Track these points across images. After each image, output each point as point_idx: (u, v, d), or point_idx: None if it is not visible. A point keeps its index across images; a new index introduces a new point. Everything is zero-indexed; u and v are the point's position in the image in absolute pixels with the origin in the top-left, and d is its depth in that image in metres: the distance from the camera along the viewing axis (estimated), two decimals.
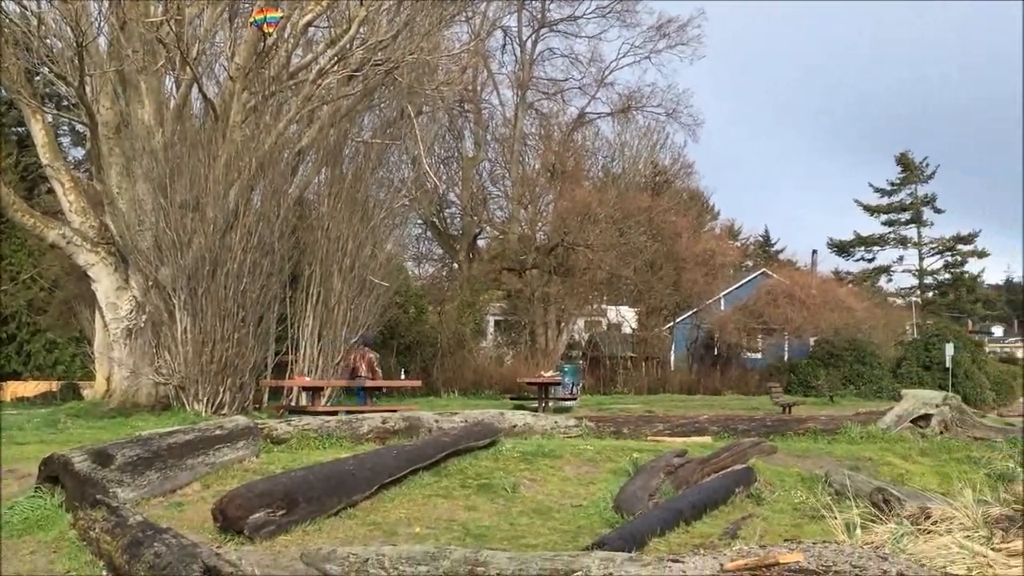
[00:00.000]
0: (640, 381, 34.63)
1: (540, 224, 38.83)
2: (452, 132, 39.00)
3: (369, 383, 18.33)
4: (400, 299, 26.24)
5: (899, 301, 69.29)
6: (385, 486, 8.81)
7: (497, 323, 37.77)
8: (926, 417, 16.01)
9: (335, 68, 18.79)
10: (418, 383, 22.74)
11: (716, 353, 39.51)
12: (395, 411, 13.94)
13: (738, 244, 59.44)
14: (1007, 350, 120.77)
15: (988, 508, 7.48)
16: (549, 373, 24.14)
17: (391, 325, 24.58)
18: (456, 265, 40.30)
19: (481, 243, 42.42)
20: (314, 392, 17.44)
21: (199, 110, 19.26)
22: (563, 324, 36.65)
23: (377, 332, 21.49)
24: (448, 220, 41.57)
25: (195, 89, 18.29)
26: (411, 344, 28.38)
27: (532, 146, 42.18)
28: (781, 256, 69.61)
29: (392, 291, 22.27)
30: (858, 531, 6.73)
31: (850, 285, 60.11)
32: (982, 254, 71.75)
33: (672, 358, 39.27)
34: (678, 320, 39.78)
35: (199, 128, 18.33)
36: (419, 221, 36.00)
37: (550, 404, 21.72)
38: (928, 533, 6.61)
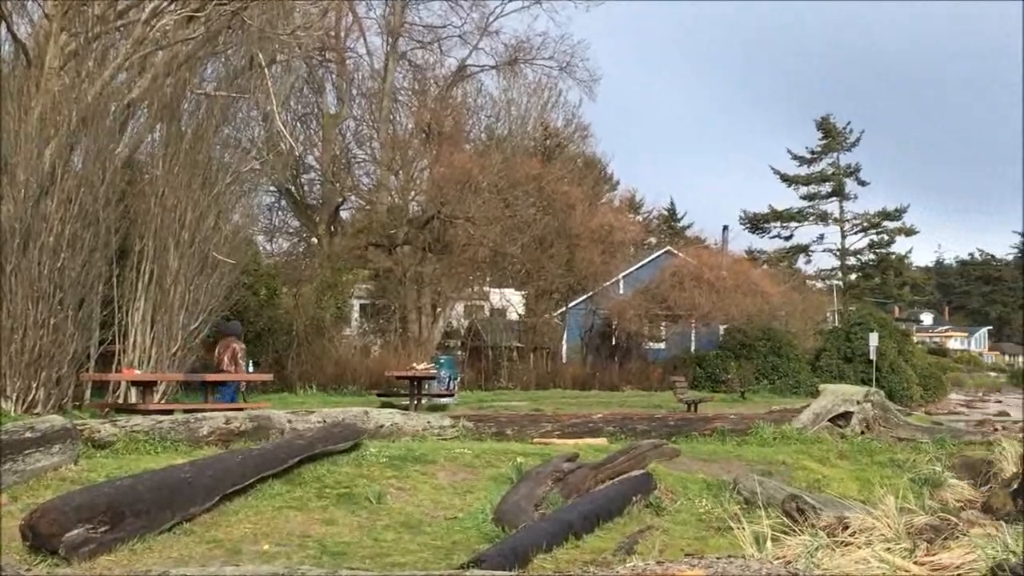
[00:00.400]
0: (527, 375, 35.04)
1: (413, 193, 38.86)
2: (311, 85, 38.63)
3: (211, 377, 18.34)
4: (248, 279, 25.95)
5: (819, 284, 71.40)
6: (228, 497, 8.77)
7: (363, 308, 37.66)
8: (846, 415, 16.53)
9: (171, 7, 18.61)
10: (269, 377, 22.21)
11: (614, 343, 40.23)
12: (241, 409, 13.92)
13: (640, 218, 60.62)
14: (937, 340, 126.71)
15: (912, 517, 7.93)
16: (423, 366, 24.30)
17: (238, 309, 24.29)
18: (315, 240, 39.99)
19: (344, 215, 42.17)
20: (145, 387, 17.12)
21: (8, 54, 18.82)
22: (439, 309, 36.82)
23: (223, 317, 21.37)
24: (306, 188, 41.14)
25: (3, 28, 17.93)
26: (261, 332, 28.12)
27: (404, 103, 42.08)
28: (688, 233, 71.38)
29: (239, 269, 21.96)
30: (768, 544, 6.96)
31: (765, 266, 61.95)
32: (910, 232, 73.55)
33: (564, 349, 39.75)
34: (571, 305, 40.24)
35: (7, 75, 17.95)
36: (271, 188, 35.67)
37: (423, 401, 21.88)
38: (846, 545, 6.85)
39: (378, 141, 40.31)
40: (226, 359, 18.72)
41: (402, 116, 41.69)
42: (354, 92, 41.60)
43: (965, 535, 7.18)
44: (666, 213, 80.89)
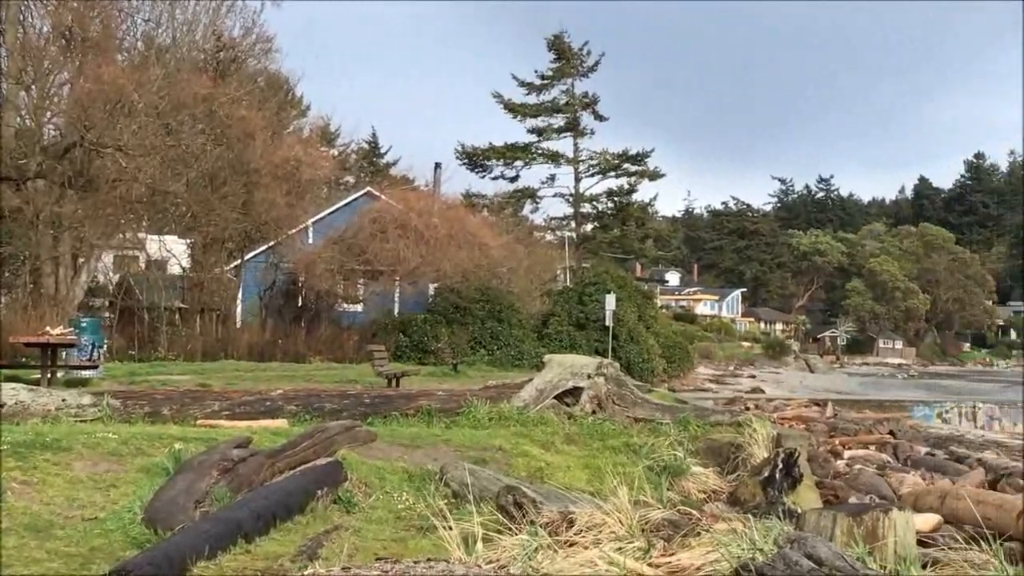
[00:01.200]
0: (193, 342, 35.00)
1: (50, 114, 37.96)
2: None
3: None
4: None
5: (549, 236, 73.80)
6: None
7: None
8: (575, 392, 17.25)
9: None
10: None
11: (300, 304, 40.76)
12: None
13: (335, 153, 61.35)
14: (684, 304, 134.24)
15: (648, 511, 8.46)
16: (59, 330, 24.04)
17: None
18: None
19: None
20: None
21: None
22: (82, 260, 36.25)
23: None
24: None
25: None
26: None
27: None
28: (394, 171, 72.64)
29: None
30: (479, 545, 7.41)
31: (485, 212, 63.63)
32: (655, 176, 75.89)
33: (239, 310, 40.00)
34: (248, 257, 40.70)
35: None
36: None
37: (59, 374, 21.68)
38: (571, 545, 7.38)
39: (4, 48, 39.21)
40: None
41: (35, 16, 40.64)
42: None
43: (708, 531, 7.70)
44: (367, 147, 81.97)
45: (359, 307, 42.80)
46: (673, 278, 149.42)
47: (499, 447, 13.41)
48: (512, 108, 72.43)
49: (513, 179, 74.22)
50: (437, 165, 60.00)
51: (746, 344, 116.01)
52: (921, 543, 8.91)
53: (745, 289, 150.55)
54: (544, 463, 13.07)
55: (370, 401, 16.91)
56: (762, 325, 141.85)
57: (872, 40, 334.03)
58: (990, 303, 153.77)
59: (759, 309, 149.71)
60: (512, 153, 72.77)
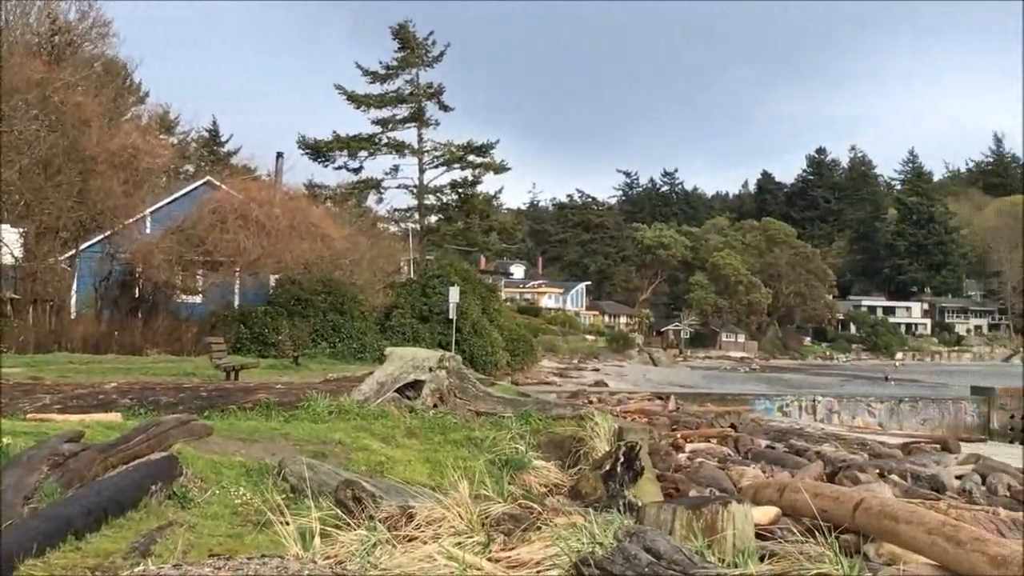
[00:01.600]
0: (25, 334, 34.52)
1: None
2: None
3: None
4: None
5: (393, 228, 74.02)
6: None
7: None
8: (417, 385, 17.25)
9: None
10: None
11: (138, 296, 40.55)
12: None
13: (174, 141, 60.72)
14: (528, 297, 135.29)
15: (489, 505, 8.54)
16: None
17: None
18: None
19: None
20: None
21: None
22: None
23: None
24: None
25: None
26: None
27: None
28: (235, 160, 72.02)
29: None
30: (317, 541, 7.35)
31: (328, 203, 63.58)
32: (500, 168, 76.41)
33: (74, 301, 39.60)
34: (84, 247, 40.22)
35: None
36: None
37: None
38: (410, 540, 7.45)
39: None
40: None
41: None
42: None
43: (549, 525, 7.77)
44: (207, 135, 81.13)
45: (198, 299, 42.48)
46: (518, 271, 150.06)
47: (339, 441, 13.34)
48: (355, 99, 72.13)
49: (357, 170, 74.28)
50: (279, 155, 58.72)
51: (590, 337, 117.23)
52: (760, 536, 9.20)
53: (589, 282, 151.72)
54: (384, 457, 13.00)
55: (207, 394, 16.83)
56: (606, 319, 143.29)
57: (716, 35, 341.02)
58: (830, 297, 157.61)
59: (603, 302, 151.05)
60: (356, 143, 72.54)
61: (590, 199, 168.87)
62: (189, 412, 13.80)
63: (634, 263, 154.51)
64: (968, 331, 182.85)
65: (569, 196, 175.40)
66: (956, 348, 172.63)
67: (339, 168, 74.09)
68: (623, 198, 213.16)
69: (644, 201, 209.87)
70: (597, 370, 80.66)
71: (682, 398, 39.98)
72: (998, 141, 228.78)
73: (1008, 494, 17.43)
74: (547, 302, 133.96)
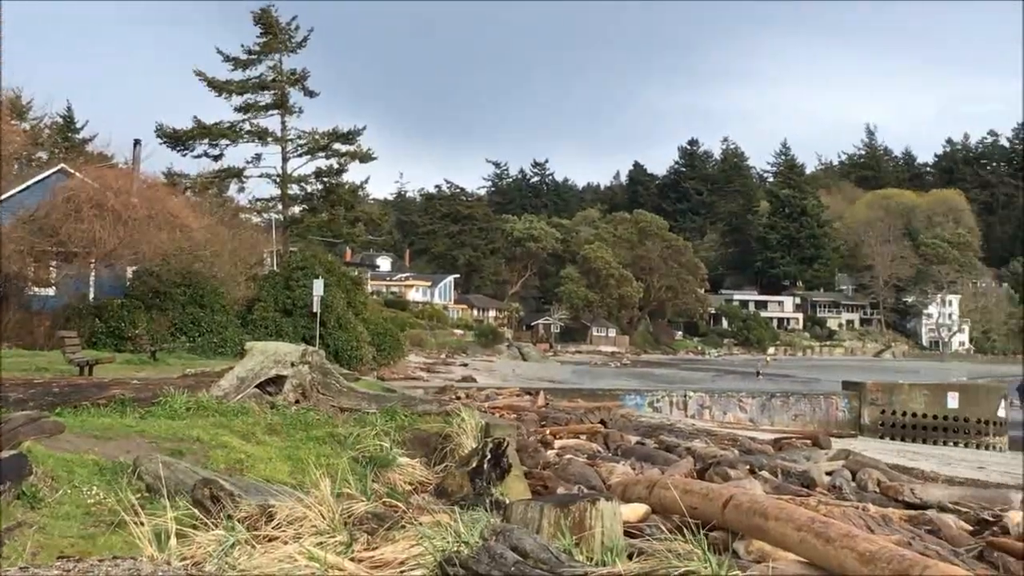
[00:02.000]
0: None
1: None
2: None
3: None
4: None
5: (255, 218, 73.45)
6: None
7: None
8: (279, 380, 17.24)
9: None
10: None
11: None
12: None
13: (26, 127, 59.56)
14: (395, 290, 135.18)
15: (352, 504, 8.54)
16: None
17: None
18: None
19: None
20: None
21: None
22: None
23: None
24: None
25: None
26: None
27: None
28: (90, 147, 70.79)
29: None
30: (173, 541, 7.19)
31: (188, 193, 62.89)
32: (366, 157, 75.85)
33: None
34: None
35: None
36: None
37: None
38: (270, 540, 7.37)
39: None
40: None
41: None
42: None
43: (413, 524, 7.75)
44: (62, 121, 79.66)
45: (51, 291, 41.50)
46: (384, 263, 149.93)
47: (197, 438, 13.15)
48: (216, 86, 70.78)
49: (217, 158, 72.69)
50: (137, 142, 56.31)
51: (459, 332, 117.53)
52: (629, 533, 9.24)
53: (458, 275, 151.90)
54: (244, 455, 12.80)
55: (59, 390, 16.47)
56: (475, 312, 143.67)
57: (588, 25, 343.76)
58: (702, 291, 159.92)
59: (472, 296, 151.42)
60: (217, 131, 71.19)
61: (459, 190, 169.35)
62: (40, 408, 13.60)
63: (504, 256, 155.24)
64: (840, 326, 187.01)
65: (437, 187, 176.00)
66: (828, 343, 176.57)
67: (199, 156, 72.74)
68: (493, 189, 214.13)
69: (514, 192, 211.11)
70: (465, 365, 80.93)
71: (552, 393, 40.04)
72: (870, 133, 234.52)
73: (878, 490, 17.69)
74: (415, 295, 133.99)
